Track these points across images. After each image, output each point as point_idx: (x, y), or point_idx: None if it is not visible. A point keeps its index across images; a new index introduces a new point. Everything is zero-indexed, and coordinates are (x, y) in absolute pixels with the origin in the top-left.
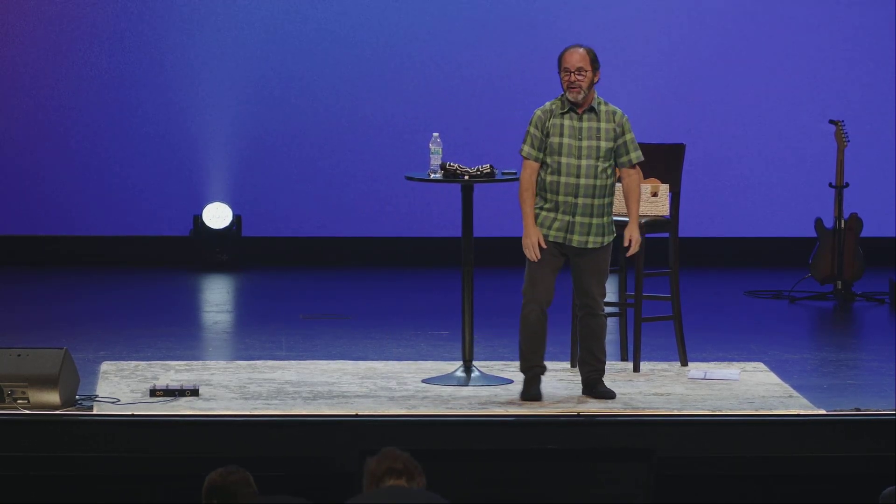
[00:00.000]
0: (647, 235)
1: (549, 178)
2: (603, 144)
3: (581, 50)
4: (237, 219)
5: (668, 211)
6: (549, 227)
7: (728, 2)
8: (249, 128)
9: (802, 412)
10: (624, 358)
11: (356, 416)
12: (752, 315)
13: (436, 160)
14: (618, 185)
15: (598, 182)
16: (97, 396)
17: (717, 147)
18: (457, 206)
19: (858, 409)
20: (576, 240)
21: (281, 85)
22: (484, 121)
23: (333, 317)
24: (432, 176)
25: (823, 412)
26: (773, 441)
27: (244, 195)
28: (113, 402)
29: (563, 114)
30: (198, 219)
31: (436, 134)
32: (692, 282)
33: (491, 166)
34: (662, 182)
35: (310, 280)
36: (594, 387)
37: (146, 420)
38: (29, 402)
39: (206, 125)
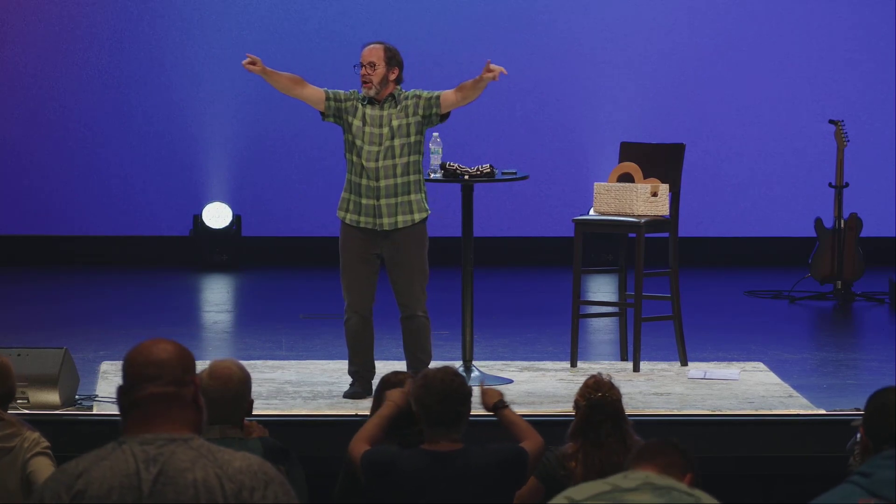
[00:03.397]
0: (647, 235)
1: (353, 160)
2: (396, 122)
3: (376, 45)
4: (237, 219)
5: (668, 211)
6: (359, 214)
7: (728, 2)
8: (249, 128)
9: (802, 412)
10: (624, 358)
11: (356, 416)
12: (752, 315)
13: (436, 160)
14: (619, 185)
15: (400, 161)
16: (97, 396)
17: (717, 147)
18: (457, 206)
19: (858, 409)
20: (386, 222)
21: None
22: (484, 121)
23: (333, 317)
24: (432, 176)
25: (823, 412)
26: (773, 441)
27: (244, 195)
28: (113, 402)
29: (365, 103)
30: (198, 219)
31: (436, 134)
32: (692, 282)
33: (491, 166)
34: (662, 182)
35: (310, 280)
36: None
37: None
38: (29, 401)
39: (206, 125)
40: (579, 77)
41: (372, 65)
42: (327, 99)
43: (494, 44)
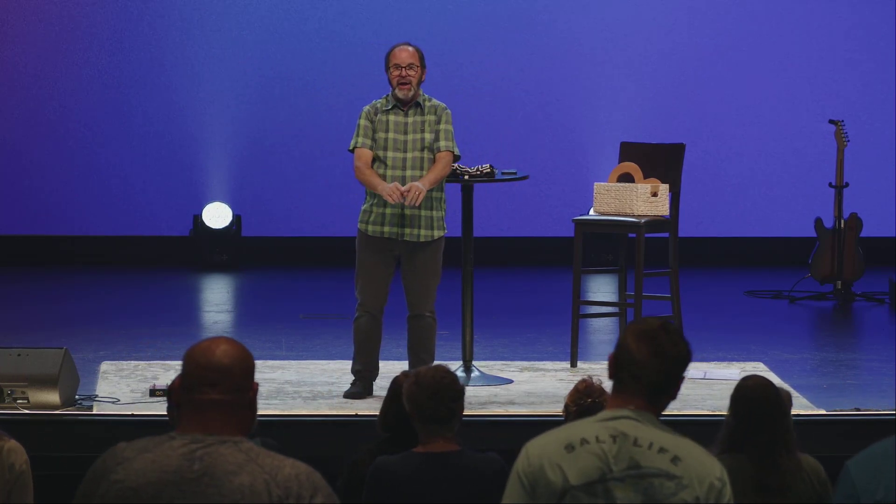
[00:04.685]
0: (647, 235)
1: (377, 172)
2: (427, 136)
3: (411, 48)
4: (237, 219)
5: (668, 211)
6: (382, 224)
7: (728, 2)
8: (249, 128)
9: (802, 412)
10: None
11: (356, 416)
12: (752, 315)
13: None
14: (619, 185)
15: (425, 173)
16: (97, 396)
17: (717, 147)
18: (457, 206)
19: (858, 409)
20: (408, 233)
21: (281, 85)
22: (484, 121)
23: (333, 317)
24: None
25: (823, 412)
26: None
27: (244, 195)
28: (113, 402)
29: (387, 111)
30: (198, 219)
31: None
32: (692, 282)
33: (491, 166)
34: (662, 182)
35: (310, 280)
36: None
37: (146, 420)
38: (29, 401)
39: (206, 125)
40: (579, 77)
41: (411, 67)
42: (372, 149)
43: (494, 44)
